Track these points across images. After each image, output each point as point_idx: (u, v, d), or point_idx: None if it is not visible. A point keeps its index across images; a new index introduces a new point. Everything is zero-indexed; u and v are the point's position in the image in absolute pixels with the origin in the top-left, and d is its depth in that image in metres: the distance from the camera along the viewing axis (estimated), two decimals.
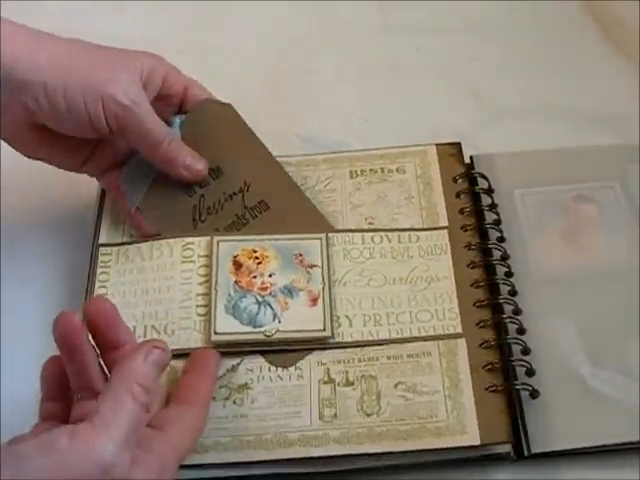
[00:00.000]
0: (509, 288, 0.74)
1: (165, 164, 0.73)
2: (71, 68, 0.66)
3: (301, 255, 0.74)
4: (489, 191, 0.80)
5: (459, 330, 0.71)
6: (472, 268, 0.75)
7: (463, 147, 0.84)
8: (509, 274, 0.75)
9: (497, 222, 0.78)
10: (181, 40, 0.90)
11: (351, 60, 0.95)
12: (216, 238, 0.74)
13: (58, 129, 0.70)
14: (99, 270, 0.74)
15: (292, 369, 0.69)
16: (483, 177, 0.81)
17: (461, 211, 0.78)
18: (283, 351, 0.70)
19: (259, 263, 0.73)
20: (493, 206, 0.79)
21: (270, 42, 0.96)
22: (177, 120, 0.76)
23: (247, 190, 0.77)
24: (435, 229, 0.77)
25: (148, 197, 0.76)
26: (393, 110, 0.91)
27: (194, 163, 0.74)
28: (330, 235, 0.75)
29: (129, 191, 0.75)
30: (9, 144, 0.72)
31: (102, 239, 0.76)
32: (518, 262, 0.76)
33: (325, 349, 0.70)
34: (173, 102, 0.74)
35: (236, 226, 0.76)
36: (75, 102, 0.66)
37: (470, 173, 0.82)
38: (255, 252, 0.74)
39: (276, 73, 0.94)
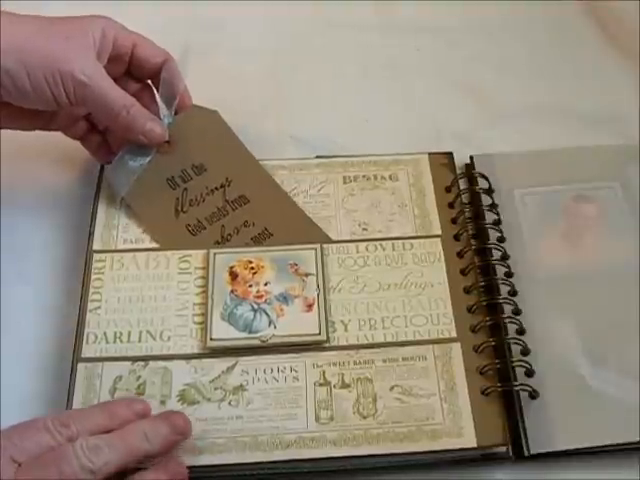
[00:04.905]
0: (509, 288, 0.74)
1: (124, 131, 0.75)
2: (31, 51, 0.69)
3: (296, 264, 0.74)
4: (489, 191, 0.80)
5: (454, 334, 0.71)
6: (464, 275, 0.75)
7: (463, 147, 0.84)
8: (509, 274, 0.75)
9: (497, 222, 0.78)
10: (181, 40, 0.90)
11: (351, 60, 0.95)
12: (212, 250, 0.75)
13: (23, 105, 0.72)
14: (93, 276, 0.74)
15: (288, 371, 0.69)
16: (483, 177, 0.81)
17: (453, 220, 0.79)
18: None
19: (254, 273, 0.74)
20: (493, 206, 0.79)
21: (269, 42, 0.96)
22: (165, 121, 0.78)
23: (228, 185, 0.80)
24: (428, 237, 0.77)
25: (134, 188, 0.78)
26: (393, 110, 0.90)
27: (153, 128, 0.76)
28: (325, 245, 0.76)
29: (116, 182, 0.78)
30: None
31: (96, 245, 0.76)
32: (518, 262, 0.76)
33: (320, 351, 0.70)
34: (124, 60, 0.76)
35: (216, 217, 0.78)
36: (39, 83, 0.69)
37: (470, 173, 0.82)
38: (251, 263, 0.75)
39: (275, 73, 0.94)
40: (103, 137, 0.80)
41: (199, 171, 0.80)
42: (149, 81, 0.79)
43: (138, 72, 0.78)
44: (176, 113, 0.79)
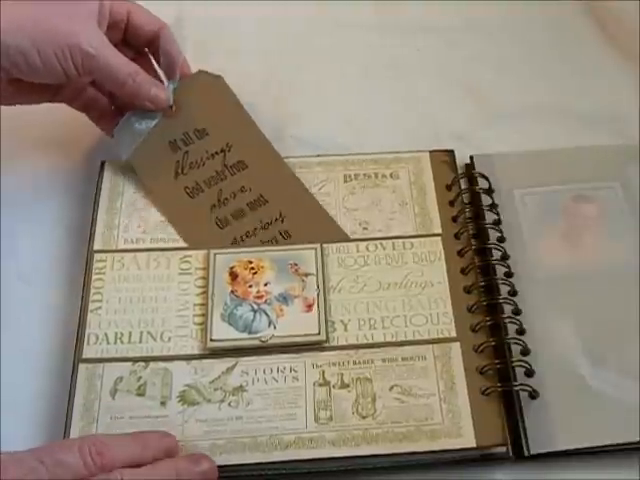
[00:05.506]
0: (509, 288, 0.74)
1: (131, 98, 0.77)
2: (37, 27, 0.70)
3: (296, 264, 0.75)
4: (489, 191, 0.80)
5: (453, 334, 0.71)
6: (465, 274, 0.75)
7: (463, 147, 0.84)
8: (509, 274, 0.75)
9: (497, 222, 0.78)
10: (181, 40, 0.90)
11: (351, 60, 0.95)
12: (213, 251, 0.75)
13: (34, 80, 0.74)
14: (94, 277, 0.74)
15: (287, 371, 0.69)
16: (483, 177, 0.81)
17: (454, 219, 0.78)
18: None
19: (255, 273, 0.74)
20: (493, 206, 0.79)
21: (269, 42, 0.96)
22: (170, 86, 0.80)
23: (228, 150, 0.81)
24: (429, 236, 0.77)
25: (137, 151, 0.80)
26: (393, 110, 0.90)
27: (158, 93, 0.78)
28: (325, 245, 0.76)
29: (121, 145, 0.80)
30: None
31: (97, 245, 0.76)
32: (518, 262, 0.76)
33: (320, 351, 0.70)
34: (120, 27, 0.78)
35: (214, 180, 0.80)
36: (49, 58, 0.71)
37: (470, 173, 0.82)
38: (251, 263, 0.75)
39: (277, 73, 0.94)
40: (108, 105, 0.82)
41: (201, 135, 0.81)
42: (146, 49, 0.81)
43: (134, 40, 0.79)
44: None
